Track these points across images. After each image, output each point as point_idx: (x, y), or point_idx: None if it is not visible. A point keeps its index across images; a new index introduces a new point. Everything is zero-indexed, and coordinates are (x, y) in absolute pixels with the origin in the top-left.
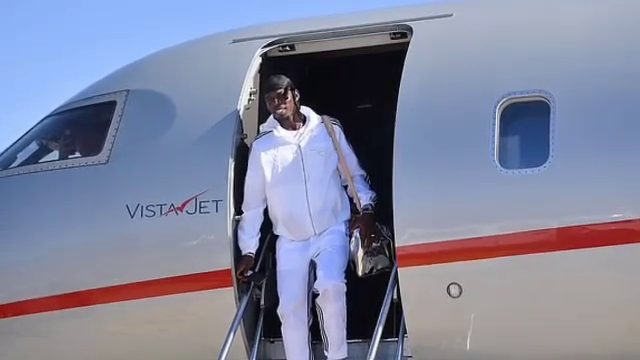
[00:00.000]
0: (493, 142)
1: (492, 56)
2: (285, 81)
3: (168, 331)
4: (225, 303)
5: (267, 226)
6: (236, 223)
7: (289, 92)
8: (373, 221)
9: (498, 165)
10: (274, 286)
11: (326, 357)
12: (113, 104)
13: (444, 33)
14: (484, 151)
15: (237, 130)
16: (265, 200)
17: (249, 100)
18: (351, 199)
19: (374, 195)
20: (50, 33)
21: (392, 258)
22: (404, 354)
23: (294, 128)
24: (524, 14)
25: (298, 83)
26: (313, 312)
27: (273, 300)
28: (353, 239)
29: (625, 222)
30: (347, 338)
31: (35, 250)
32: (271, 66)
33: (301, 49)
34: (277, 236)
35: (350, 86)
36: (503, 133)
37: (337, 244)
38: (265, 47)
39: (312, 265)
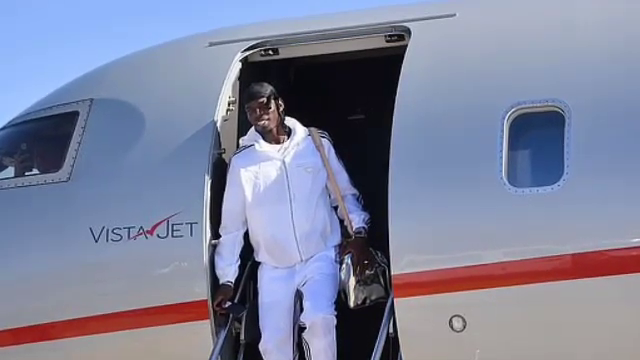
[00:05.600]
0: (501, 157)
1: (500, 61)
2: (268, 89)
3: None
4: (201, 337)
5: (248, 252)
6: (213, 248)
7: (272, 101)
8: (366, 246)
9: (506, 183)
10: (255, 319)
11: None
12: (75, 115)
13: (446, 35)
14: (491, 167)
15: (214, 144)
16: (245, 223)
17: (227, 110)
18: (342, 221)
19: (367, 217)
20: (2, 34)
21: (388, 287)
22: None
23: (278, 142)
24: (536, 14)
25: (282, 91)
26: (299, 348)
27: (254, 334)
28: (344, 266)
29: None
30: None
31: None
32: (252, 72)
33: (285, 53)
34: (259, 263)
35: (341, 95)
36: (512, 147)
37: (326, 272)
38: (245, 51)
39: (298, 295)
